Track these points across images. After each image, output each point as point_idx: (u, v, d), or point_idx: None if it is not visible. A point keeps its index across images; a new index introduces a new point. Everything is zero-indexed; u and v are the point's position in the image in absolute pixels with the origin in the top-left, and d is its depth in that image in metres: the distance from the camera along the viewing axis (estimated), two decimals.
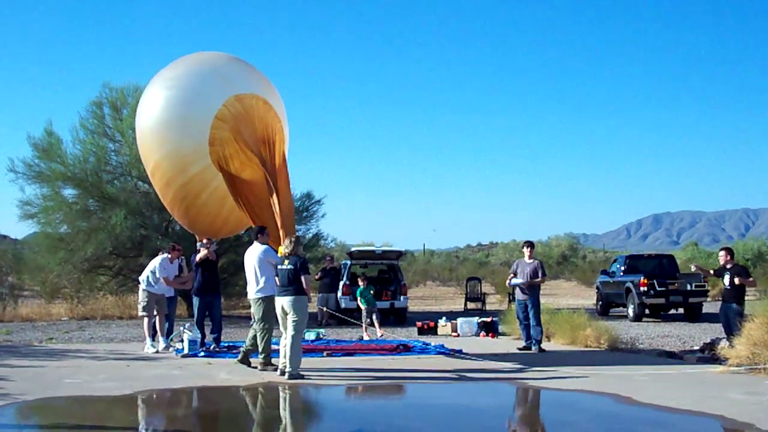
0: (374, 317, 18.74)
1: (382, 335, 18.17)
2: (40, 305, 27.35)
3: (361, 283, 19.46)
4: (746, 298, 14.11)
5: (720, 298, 14.30)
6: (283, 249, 12.04)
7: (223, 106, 12.91)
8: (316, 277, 23.29)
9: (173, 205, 14.09)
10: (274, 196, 12.71)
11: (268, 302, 12.23)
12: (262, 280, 12.26)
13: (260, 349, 12.34)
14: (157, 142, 13.34)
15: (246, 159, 12.90)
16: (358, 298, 19.22)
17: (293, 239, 12.16)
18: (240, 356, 12.76)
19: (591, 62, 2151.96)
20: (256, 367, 12.28)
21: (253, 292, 12.41)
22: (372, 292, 19.47)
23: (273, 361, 12.19)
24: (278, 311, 11.96)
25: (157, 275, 15.24)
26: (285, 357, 11.61)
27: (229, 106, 12.94)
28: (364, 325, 18.72)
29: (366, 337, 17.95)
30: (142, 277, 15.53)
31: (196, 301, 15.23)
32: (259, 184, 12.99)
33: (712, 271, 14.91)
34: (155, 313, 15.39)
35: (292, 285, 11.70)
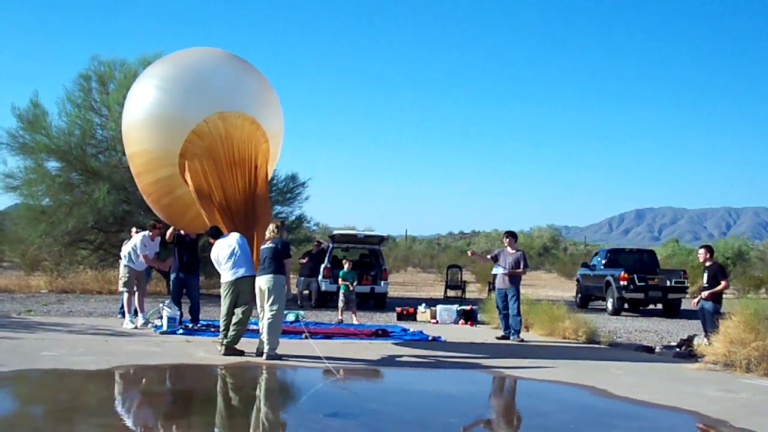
0: (349, 303, 18.70)
1: (357, 321, 18.07)
2: (19, 277, 27.34)
3: (346, 265, 19.36)
4: (724, 296, 14.18)
5: (698, 295, 14.36)
6: (268, 233, 12.01)
7: (203, 121, 12.50)
8: (301, 260, 23.39)
9: (142, 193, 13.96)
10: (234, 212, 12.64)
11: (251, 283, 11.92)
12: (249, 261, 11.96)
13: (234, 330, 11.89)
14: (134, 136, 13.16)
15: (209, 180, 12.67)
16: (340, 279, 19.13)
17: (278, 225, 12.13)
18: (223, 351, 11.95)
19: (578, 55, 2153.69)
20: (242, 352, 11.90)
21: (244, 272, 11.87)
22: (354, 278, 19.28)
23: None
24: (256, 291, 11.89)
25: (138, 251, 15.22)
26: (263, 337, 11.60)
27: (209, 122, 12.52)
28: (339, 308, 18.76)
29: (355, 321, 17.96)
30: (124, 253, 15.52)
31: (172, 277, 15.29)
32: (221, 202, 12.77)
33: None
34: (135, 289, 15.37)
35: (272, 265, 11.62)
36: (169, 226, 14.92)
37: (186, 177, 12.60)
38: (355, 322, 17.86)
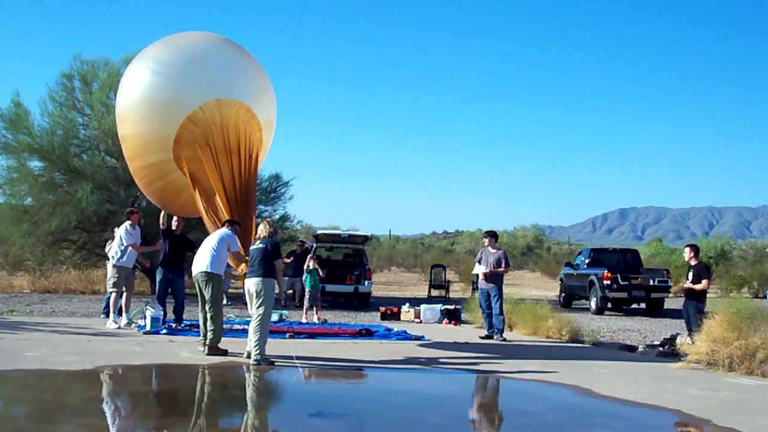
0: (315, 301, 18.44)
1: (306, 321, 17.79)
2: (1, 277, 27.17)
3: (312, 264, 19.10)
4: (708, 295, 14.22)
5: (682, 295, 14.38)
6: (259, 232, 11.88)
7: (199, 108, 12.41)
8: (285, 260, 23.34)
9: (134, 175, 13.93)
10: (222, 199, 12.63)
11: (216, 280, 11.89)
12: (212, 257, 11.83)
13: (210, 330, 11.86)
14: (128, 119, 13.10)
15: (204, 167, 12.65)
16: (303, 277, 19.00)
17: (271, 222, 12.00)
18: (206, 351, 11.90)
19: (563, 55, 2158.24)
20: (226, 351, 11.86)
21: (203, 267, 11.85)
22: (320, 276, 18.98)
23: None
24: (245, 292, 11.80)
25: (124, 243, 15.11)
26: (251, 340, 11.50)
27: (205, 109, 12.44)
28: (305, 308, 18.45)
29: (305, 320, 17.75)
30: (111, 253, 15.42)
31: (159, 274, 15.22)
32: (212, 191, 12.77)
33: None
34: (124, 289, 15.26)
35: (261, 267, 11.38)
36: (147, 213, 14.86)
37: (182, 165, 12.59)
38: (304, 321, 17.66)
